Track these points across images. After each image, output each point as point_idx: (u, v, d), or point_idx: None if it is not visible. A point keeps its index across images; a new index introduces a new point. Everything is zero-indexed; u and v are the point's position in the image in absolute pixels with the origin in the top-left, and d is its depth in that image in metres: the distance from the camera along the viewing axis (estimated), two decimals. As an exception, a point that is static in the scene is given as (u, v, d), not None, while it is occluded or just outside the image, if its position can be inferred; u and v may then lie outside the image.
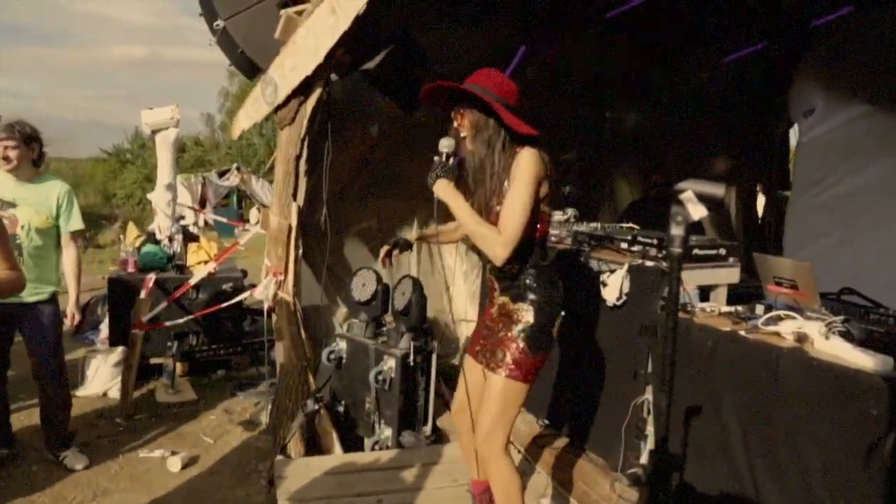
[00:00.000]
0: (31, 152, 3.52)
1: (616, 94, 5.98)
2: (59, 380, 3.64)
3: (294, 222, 3.93)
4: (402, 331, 3.70)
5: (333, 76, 4.15)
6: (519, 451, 3.52)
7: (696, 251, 3.08)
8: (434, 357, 3.78)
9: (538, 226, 2.34)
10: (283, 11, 3.83)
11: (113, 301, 5.07)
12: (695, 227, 1.79)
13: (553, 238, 3.88)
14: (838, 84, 4.67)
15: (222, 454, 3.96)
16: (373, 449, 3.64)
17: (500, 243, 2.21)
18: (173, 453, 3.82)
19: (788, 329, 2.39)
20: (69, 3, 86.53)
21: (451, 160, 2.34)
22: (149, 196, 6.32)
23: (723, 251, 3.18)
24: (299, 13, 3.75)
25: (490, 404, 2.36)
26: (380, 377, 3.60)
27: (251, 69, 4.40)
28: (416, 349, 3.64)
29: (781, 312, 2.50)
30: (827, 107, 4.75)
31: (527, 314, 2.35)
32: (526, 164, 2.23)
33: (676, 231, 1.52)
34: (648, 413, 2.92)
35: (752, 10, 4.76)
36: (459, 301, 5.38)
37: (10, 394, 3.82)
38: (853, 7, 4.66)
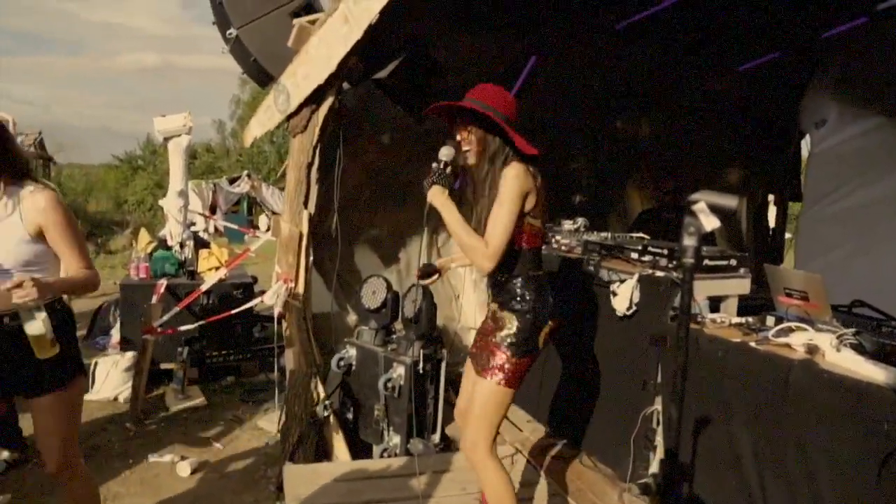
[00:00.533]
0: None
1: (627, 103, 5.97)
2: None
3: (305, 230, 3.95)
4: (412, 338, 3.71)
5: (346, 85, 4.17)
6: (528, 461, 3.51)
7: (706, 261, 3.06)
8: (443, 365, 3.79)
9: (524, 237, 2.40)
10: (295, 20, 3.88)
11: (125, 306, 5.13)
12: (706, 238, 1.79)
13: (563, 247, 3.88)
14: (851, 95, 4.65)
15: (231, 460, 3.97)
16: (381, 456, 3.64)
17: (485, 255, 2.30)
18: (183, 458, 3.84)
19: (799, 341, 2.37)
20: (85, 13, 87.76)
21: (449, 169, 2.43)
22: (160, 202, 6.39)
23: (734, 262, 3.15)
24: (312, 22, 3.79)
25: (475, 408, 2.46)
26: (389, 384, 3.61)
27: (264, 77, 4.43)
28: (426, 357, 3.65)
29: (792, 324, 2.48)
30: (840, 118, 4.73)
31: (511, 322, 2.42)
32: (512, 179, 2.30)
33: (689, 242, 1.52)
34: (658, 423, 2.90)
35: (766, 21, 4.75)
36: (469, 309, 5.39)
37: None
38: (868, 18, 4.64)
